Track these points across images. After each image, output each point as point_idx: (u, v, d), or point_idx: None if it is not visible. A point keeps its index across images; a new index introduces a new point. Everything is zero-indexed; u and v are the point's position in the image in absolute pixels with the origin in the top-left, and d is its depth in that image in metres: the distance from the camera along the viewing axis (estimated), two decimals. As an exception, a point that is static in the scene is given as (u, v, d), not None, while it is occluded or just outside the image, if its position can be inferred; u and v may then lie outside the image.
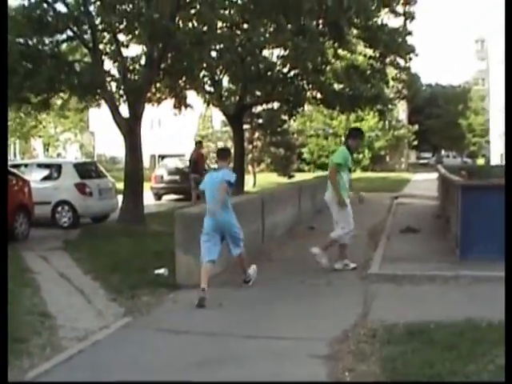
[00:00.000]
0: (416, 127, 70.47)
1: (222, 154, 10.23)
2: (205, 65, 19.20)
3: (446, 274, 9.96)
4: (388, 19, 24.85)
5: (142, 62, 18.96)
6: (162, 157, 54.34)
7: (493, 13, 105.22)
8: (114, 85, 18.71)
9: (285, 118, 31.69)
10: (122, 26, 17.24)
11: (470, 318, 7.38)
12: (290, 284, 10.08)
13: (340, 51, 24.70)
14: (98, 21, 17.45)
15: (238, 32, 21.26)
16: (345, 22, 20.13)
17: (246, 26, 21.12)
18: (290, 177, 38.24)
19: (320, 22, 21.75)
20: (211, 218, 9.41)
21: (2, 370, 5.11)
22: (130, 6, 16.78)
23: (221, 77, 25.55)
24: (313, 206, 19.50)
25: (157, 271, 10.64)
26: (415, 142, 74.32)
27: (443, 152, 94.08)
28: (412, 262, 11.24)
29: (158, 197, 30.03)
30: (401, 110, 61.69)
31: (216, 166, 11.08)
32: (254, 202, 13.76)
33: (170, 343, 7.27)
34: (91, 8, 17.44)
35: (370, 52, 25.34)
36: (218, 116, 52.30)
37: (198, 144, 25.15)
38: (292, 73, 25.09)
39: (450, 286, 9.53)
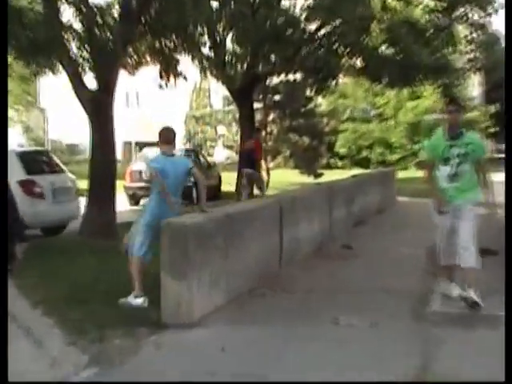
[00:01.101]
0: (493, 108, 69.45)
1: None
2: (202, 18, 19.06)
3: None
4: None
5: (116, 13, 18.85)
6: (141, 145, 54.03)
7: None
8: (76, 44, 18.59)
9: (311, 94, 31.58)
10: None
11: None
12: (316, 324, 9.98)
13: (391, 1, 24.52)
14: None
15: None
16: None
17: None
18: (318, 176, 37.56)
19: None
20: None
21: (1, 370, 5.50)
22: None
23: (224, 36, 25.46)
24: (349, 217, 19.41)
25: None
26: (493, 129, 73.46)
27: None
28: (487, 297, 11.12)
29: (135, 200, 29.97)
30: (474, 84, 61.31)
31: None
32: (269, 210, 13.67)
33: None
34: None
35: (432, 3, 25.12)
36: (219, 91, 52.11)
37: (257, 131, 25.43)
38: (322, 31, 24.91)
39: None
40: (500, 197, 11.06)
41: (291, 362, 8.39)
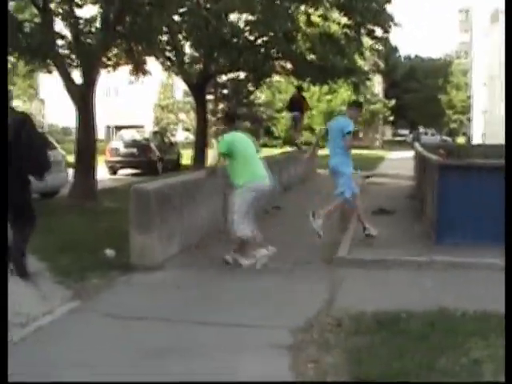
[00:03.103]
0: (393, 102, 70.52)
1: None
2: (165, 29, 19.01)
3: (418, 260, 10.01)
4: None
5: (97, 24, 18.74)
6: (119, 128, 53.99)
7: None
8: (65, 48, 18.49)
9: (251, 88, 31.63)
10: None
11: (443, 308, 7.42)
12: (251, 268, 10.02)
13: (313, 18, 24.63)
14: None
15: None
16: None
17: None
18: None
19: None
20: None
21: (1, 370, 5.13)
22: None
23: (183, 42, 25.38)
24: (279, 184, 19.42)
25: (107, 252, 10.58)
26: (391, 118, 74.53)
27: (421, 129, 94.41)
28: (383, 247, 11.28)
29: (114, 171, 29.99)
30: (376, 83, 61.89)
31: None
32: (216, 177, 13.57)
33: (119, 330, 7.21)
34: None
35: (344, 20, 25.25)
36: (180, 85, 51.97)
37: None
38: (260, 40, 24.98)
39: (423, 272, 9.55)
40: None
41: (230, 298, 8.47)
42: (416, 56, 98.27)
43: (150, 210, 9.85)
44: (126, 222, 10.37)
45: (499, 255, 8.07)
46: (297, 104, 24.93)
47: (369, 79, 30.29)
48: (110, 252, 10.55)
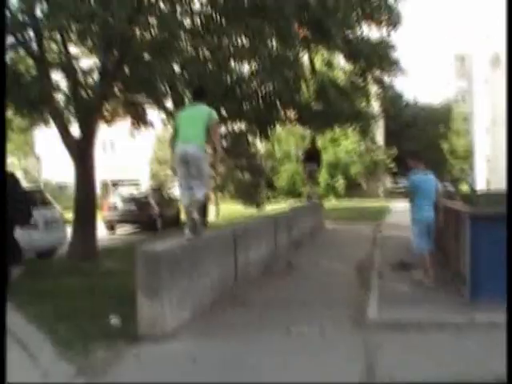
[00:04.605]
0: (395, 150, 69.99)
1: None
2: (166, 78, 18.49)
3: (457, 321, 9.25)
4: (369, 32, 24.43)
5: (95, 76, 18.33)
6: (115, 183, 53.69)
7: (475, 29, 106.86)
8: (63, 100, 18.07)
9: (252, 139, 31.05)
10: (72, 35, 16.54)
11: (495, 373, 6.82)
12: (272, 334, 9.22)
13: (317, 66, 24.24)
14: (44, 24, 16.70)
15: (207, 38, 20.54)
16: (331, 22, 19.41)
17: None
18: (259, 205, 37.44)
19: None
20: None
21: (0, 371, 5.37)
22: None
23: (182, 92, 24.76)
24: (289, 240, 18.91)
25: (111, 319, 9.80)
26: (392, 166, 74.13)
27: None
28: (414, 305, 10.57)
29: (111, 227, 29.58)
30: (377, 133, 61.56)
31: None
32: (225, 237, 12.94)
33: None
34: (37, 11, 16.67)
35: (350, 67, 24.89)
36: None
37: None
38: (263, 89, 24.44)
39: (465, 334, 8.79)
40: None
41: (253, 370, 7.67)
42: (416, 103, 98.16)
43: (159, 273, 9.07)
44: (131, 285, 9.61)
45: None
46: (313, 156, 25.44)
47: (375, 121, 29.88)
48: (114, 320, 9.76)
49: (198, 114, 10.91)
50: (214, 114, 11.10)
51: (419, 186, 12.81)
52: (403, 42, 38.40)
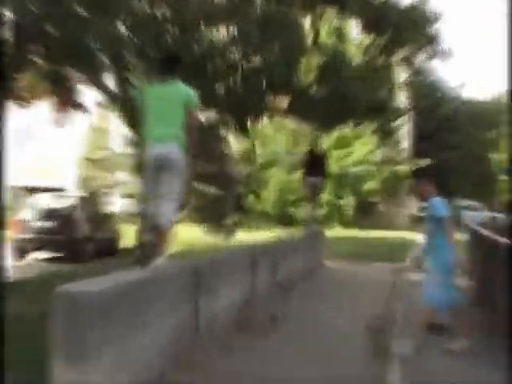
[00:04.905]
0: (427, 161, 67.66)
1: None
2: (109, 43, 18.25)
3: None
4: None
5: (6, 35, 18.10)
6: (29, 190, 53.13)
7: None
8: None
9: (224, 134, 30.96)
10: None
11: None
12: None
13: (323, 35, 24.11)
14: None
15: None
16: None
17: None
18: (230, 233, 35.98)
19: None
20: None
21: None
22: None
23: (131, 66, 24.50)
24: (273, 283, 18.87)
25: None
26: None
27: (462, 201, 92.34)
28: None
29: (22, 254, 29.12)
30: (403, 136, 61.29)
31: None
32: (183, 275, 12.59)
33: None
34: None
35: (368, 41, 24.77)
36: (121, 130, 51.08)
37: None
38: (244, 64, 24.15)
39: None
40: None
41: None
42: (455, 97, 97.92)
43: (85, 327, 8.59)
44: (46, 341, 8.91)
45: None
46: (315, 165, 25.27)
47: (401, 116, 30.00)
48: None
49: (174, 96, 10.48)
50: (194, 95, 10.74)
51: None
52: (448, 14, 38.14)
